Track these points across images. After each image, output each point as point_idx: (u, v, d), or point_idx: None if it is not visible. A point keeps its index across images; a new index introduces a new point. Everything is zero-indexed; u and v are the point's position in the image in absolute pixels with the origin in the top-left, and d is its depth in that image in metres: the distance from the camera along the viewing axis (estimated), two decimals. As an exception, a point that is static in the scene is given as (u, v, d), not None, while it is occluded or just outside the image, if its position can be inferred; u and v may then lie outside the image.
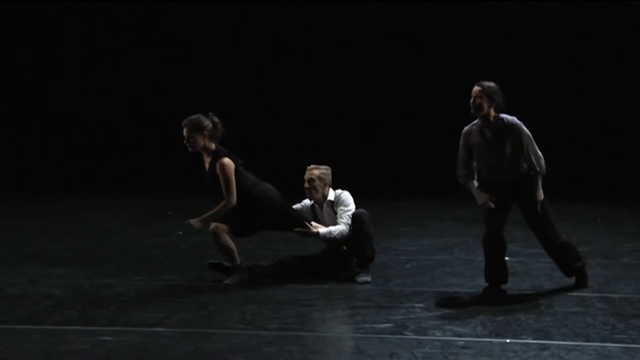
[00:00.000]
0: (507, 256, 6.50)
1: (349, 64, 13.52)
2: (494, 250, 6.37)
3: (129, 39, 13.89)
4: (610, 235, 8.95)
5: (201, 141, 6.71)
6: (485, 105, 6.31)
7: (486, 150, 6.35)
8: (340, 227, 6.91)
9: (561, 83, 13.07)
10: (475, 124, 6.41)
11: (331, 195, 7.07)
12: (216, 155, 6.73)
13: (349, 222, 6.90)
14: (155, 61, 13.77)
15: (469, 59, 12.80)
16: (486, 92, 6.31)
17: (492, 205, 6.33)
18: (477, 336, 5.33)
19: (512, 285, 6.54)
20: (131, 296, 6.43)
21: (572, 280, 6.65)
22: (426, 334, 5.37)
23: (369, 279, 6.85)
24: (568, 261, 6.54)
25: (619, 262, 7.69)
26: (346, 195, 7.04)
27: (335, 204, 7.02)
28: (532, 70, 13.07)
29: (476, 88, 6.34)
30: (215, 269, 6.92)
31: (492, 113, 6.33)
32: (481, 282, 6.53)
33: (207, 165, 6.79)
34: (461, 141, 6.46)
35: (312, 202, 7.10)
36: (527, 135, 6.33)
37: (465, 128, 6.46)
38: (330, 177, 7.10)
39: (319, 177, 7.05)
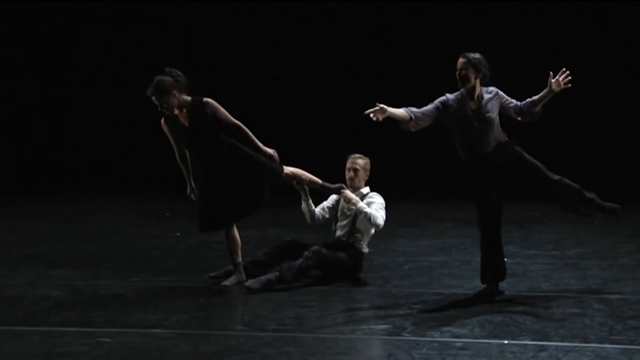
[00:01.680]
0: (505, 257, 6.51)
1: (341, 61, 13.51)
2: (493, 245, 6.35)
3: (134, 36, 13.88)
4: (608, 237, 8.96)
5: (174, 100, 6.53)
6: (471, 77, 6.23)
7: (469, 123, 6.25)
8: (374, 212, 6.87)
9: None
10: (460, 93, 6.30)
11: (365, 189, 7.11)
12: (196, 101, 6.59)
13: (383, 216, 6.92)
14: (153, 62, 13.76)
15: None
16: (472, 63, 6.23)
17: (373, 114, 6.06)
18: (475, 337, 5.34)
19: (510, 287, 6.55)
20: (129, 297, 6.43)
21: (570, 280, 6.64)
22: (424, 335, 5.37)
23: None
24: (578, 193, 6.36)
25: (617, 263, 7.69)
26: (380, 197, 7.07)
27: (366, 197, 7.03)
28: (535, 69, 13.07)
29: (461, 60, 6.25)
30: (217, 278, 6.89)
31: (479, 85, 6.30)
32: (479, 284, 6.53)
33: (187, 121, 6.62)
34: (436, 101, 6.29)
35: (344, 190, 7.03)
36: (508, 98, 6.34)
37: (448, 95, 6.30)
38: (369, 170, 7.16)
39: (364, 167, 7.12)
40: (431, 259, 7.93)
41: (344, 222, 7.02)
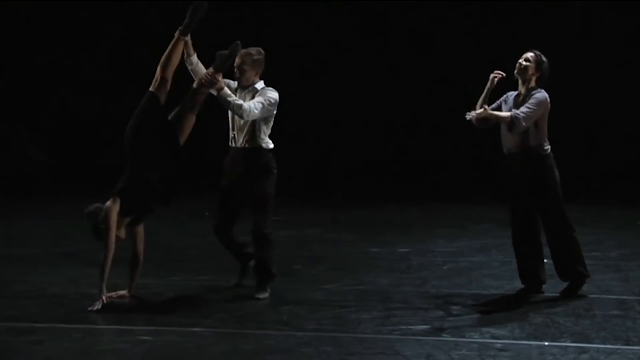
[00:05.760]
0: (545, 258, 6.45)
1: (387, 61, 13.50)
2: (523, 246, 6.30)
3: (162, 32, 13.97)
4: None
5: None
6: (529, 71, 6.25)
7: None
8: (246, 103, 6.17)
9: (592, 82, 12.94)
10: (517, 92, 6.36)
11: (259, 84, 6.42)
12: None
13: (257, 108, 6.19)
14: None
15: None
16: (537, 60, 6.26)
17: (499, 76, 6.23)
18: (514, 339, 5.30)
19: (551, 288, 6.48)
20: (169, 296, 6.47)
21: (611, 282, 6.56)
22: (463, 336, 5.35)
23: (267, 295, 6.37)
24: (570, 261, 6.31)
25: (659, 265, 7.59)
26: (272, 92, 6.35)
27: (258, 93, 6.33)
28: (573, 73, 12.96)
29: (529, 54, 6.29)
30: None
31: (533, 83, 6.27)
32: (519, 284, 6.48)
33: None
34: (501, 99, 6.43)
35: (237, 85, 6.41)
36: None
37: (511, 92, 6.40)
38: (263, 64, 6.41)
39: (252, 64, 6.31)
40: (470, 260, 7.89)
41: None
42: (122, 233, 6.11)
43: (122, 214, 6.03)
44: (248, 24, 13.40)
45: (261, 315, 6.02)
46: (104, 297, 5.96)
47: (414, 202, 11.97)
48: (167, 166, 6.26)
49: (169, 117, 6.26)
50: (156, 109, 6.17)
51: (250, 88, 6.38)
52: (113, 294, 6.12)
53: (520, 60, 6.29)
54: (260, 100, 6.28)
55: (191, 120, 6.24)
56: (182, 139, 6.25)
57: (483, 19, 13.31)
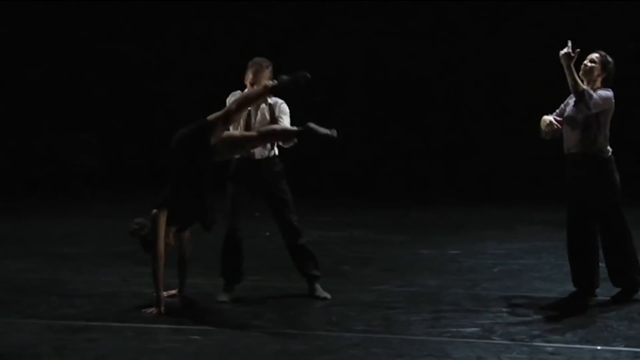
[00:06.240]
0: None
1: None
2: (578, 249, 6.22)
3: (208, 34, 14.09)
4: None
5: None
6: (595, 72, 6.19)
7: (572, 122, 6.17)
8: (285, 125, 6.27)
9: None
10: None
11: (273, 98, 6.41)
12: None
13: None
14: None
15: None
16: (603, 61, 6.19)
17: (556, 125, 6.14)
18: (566, 342, 5.24)
19: (604, 291, 6.39)
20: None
21: None
22: (514, 339, 5.30)
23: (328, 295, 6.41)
24: (624, 267, 6.21)
25: None
26: (286, 105, 6.44)
27: (274, 107, 6.39)
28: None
29: (595, 54, 6.22)
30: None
31: (599, 84, 6.20)
32: (570, 287, 6.41)
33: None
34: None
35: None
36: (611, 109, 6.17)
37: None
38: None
39: (269, 79, 6.26)
40: (521, 262, 7.82)
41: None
42: (171, 240, 6.18)
43: (168, 223, 6.08)
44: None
45: (311, 316, 6.04)
46: (162, 308, 5.98)
47: (464, 203, 11.91)
48: (204, 194, 6.20)
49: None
50: (207, 135, 6.00)
51: (263, 100, 6.36)
52: (164, 293, 6.19)
53: (585, 62, 6.22)
54: (287, 117, 6.37)
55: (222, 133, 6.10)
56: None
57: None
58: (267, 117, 6.38)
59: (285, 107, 6.45)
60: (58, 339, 5.37)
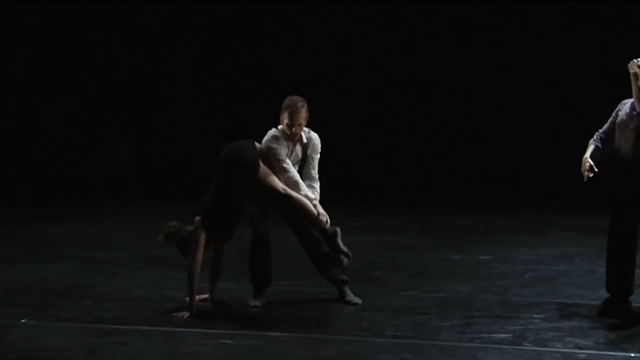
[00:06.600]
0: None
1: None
2: (620, 255, 6.15)
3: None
4: None
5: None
6: None
7: (625, 124, 6.08)
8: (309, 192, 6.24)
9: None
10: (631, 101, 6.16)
11: (305, 131, 6.38)
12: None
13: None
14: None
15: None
16: None
17: (589, 175, 6.07)
18: (599, 349, 5.19)
19: (638, 298, 6.33)
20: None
21: None
22: (546, 346, 5.27)
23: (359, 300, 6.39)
24: None
25: None
26: (318, 139, 6.40)
27: (307, 145, 6.35)
28: None
29: None
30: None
31: None
32: (603, 294, 6.34)
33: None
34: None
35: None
36: None
37: (626, 100, 6.21)
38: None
39: (305, 118, 6.27)
40: (553, 268, 7.76)
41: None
42: (217, 243, 6.25)
43: (207, 234, 6.12)
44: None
45: (341, 321, 6.04)
46: (194, 313, 6.03)
47: (495, 209, 11.85)
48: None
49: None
50: (255, 168, 6.11)
51: (297, 139, 6.37)
52: (196, 297, 6.22)
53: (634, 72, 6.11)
54: (317, 156, 6.38)
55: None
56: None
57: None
58: (300, 155, 6.39)
59: (317, 146, 6.41)
60: (90, 342, 5.42)
